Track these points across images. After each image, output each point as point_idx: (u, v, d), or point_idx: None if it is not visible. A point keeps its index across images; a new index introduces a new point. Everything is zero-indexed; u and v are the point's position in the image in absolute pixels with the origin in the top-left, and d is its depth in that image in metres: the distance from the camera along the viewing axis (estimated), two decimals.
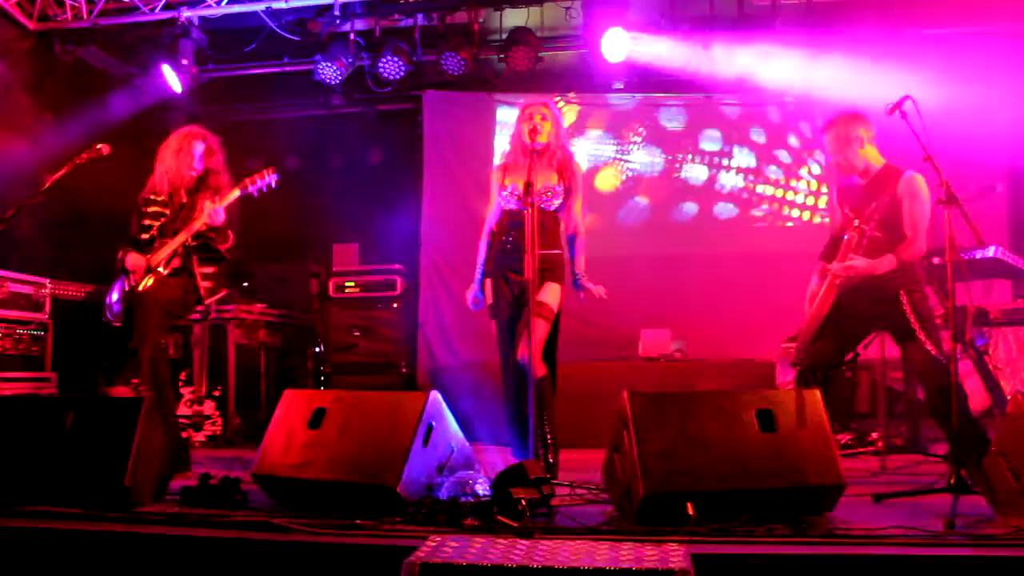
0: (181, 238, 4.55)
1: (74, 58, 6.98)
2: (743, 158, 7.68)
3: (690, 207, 7.73)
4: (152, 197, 4.70)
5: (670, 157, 7.77)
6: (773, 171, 7.66)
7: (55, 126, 6.68)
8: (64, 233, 6.49)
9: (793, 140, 7.66)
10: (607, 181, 7.80)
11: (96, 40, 6.96)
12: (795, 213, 7.64)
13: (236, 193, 4.61)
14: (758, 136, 7.70)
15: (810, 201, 7.62)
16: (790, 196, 7.63)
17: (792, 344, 6.23)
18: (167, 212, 4.66)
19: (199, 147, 4.69)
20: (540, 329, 4.26)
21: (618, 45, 6.29)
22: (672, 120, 7.81)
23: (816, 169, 7.58)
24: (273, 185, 4.62)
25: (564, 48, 7.16)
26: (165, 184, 4.67)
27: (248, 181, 4.61)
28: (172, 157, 4.67)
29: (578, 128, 7.77)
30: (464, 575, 2.42)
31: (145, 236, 4.62)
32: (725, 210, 7.70)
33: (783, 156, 7.66)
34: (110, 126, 6.40)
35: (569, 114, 7.71)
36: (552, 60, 7.16)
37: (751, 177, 7.68)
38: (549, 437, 4.28)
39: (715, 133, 7.74)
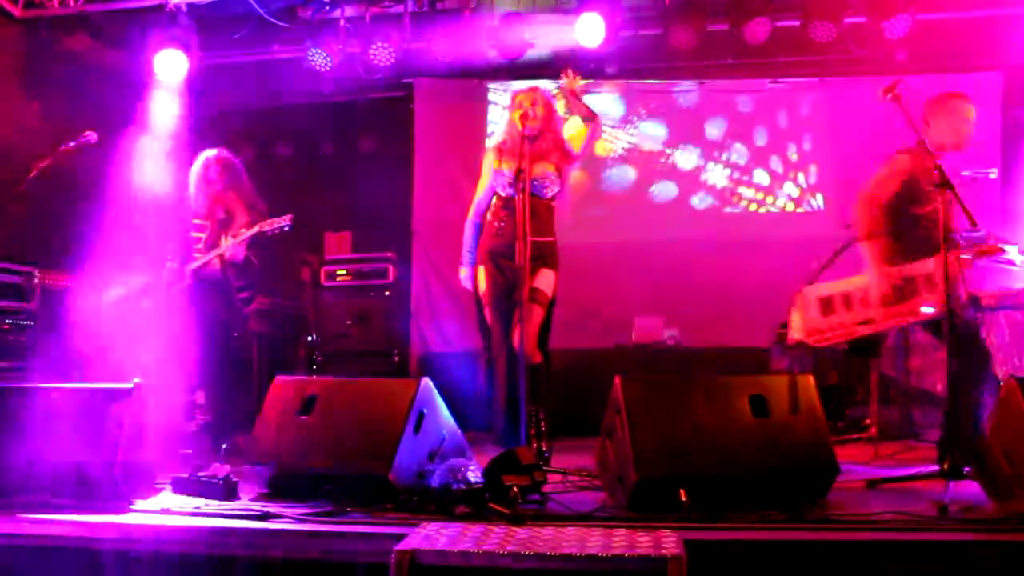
0: (214, 253, 5.05)
1: (61, 46, 6.91)
2: (737, 147, 7.66)
3: (683, 195, 7.70)
4: (197, 220, 5.27)
5: (662, 146, 7.73)
6: (767, 159, 7.64)
7: (42, 114, 6.62)
8: (52, 222, 6.43)
9: (784, 125, 7.65)
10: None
11: (83, 27, 6.89)
12: (781, 202, 7.64)
13: (251, 231, 4.97)
14: (751, 123, 7.68)
15: (795, 193, 7.61)
16: (777, 191, 7.63)
17: (787, 330, 6.24)
18: (207, 224, 5.19)
19: (213, 169, 5.18)
20: (536, 316, 4.26)
21: (593, 30, 6.24)
22: (667, 107, 7.77)
23: (805, 169, 7.56)
24: (287, 229, 4.96)
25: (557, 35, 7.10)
26: (199, 204, 5.22)
27: (265, 224, 4.96)
28: (194, 179, 5.23)
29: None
30: (455, 562, 2.40)
31: (193, 246, 5.19)
32: (717, 197, 7.68)
33: (776, 146, 7.64)
34: (97, 114, 6.33)
35: (561, 101, 7.67)
36: (544, 46, 7.09)
37: (744, 164, 7.66)
38: (543, 424, 4.27)
39: (712, 123, 7.71)
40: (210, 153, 5.27)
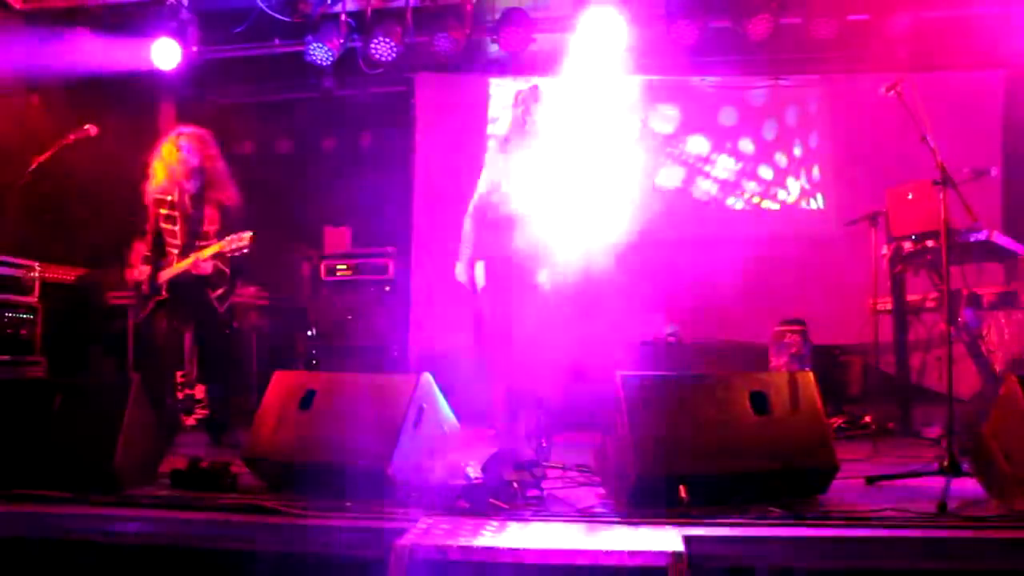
0: (181, 267, 4.80)
1: (62, 38, 6.89)
2: (743, 141, 7.66)
3: (686, 185, 7.70)
4: (161, 197, 4.92)
5: (665, 141, 7.73)
6: (772, 154, 7.64)
7: (42, 107, 6.61)
8: (53, 215, 6.43)
9: (792, 122, 7.64)
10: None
11: (83, 20, 6.87)
12: (780, 202, 7.63)
13: (213, 250, 4.75)
14: (762, 116, 7.67)
15: (796, 191, 7.60)
16: (779, 189, 7.62)
17: (787, 327, 6.25)
18: (176, 215, 4.89)
19: (184, 147, 4.88)
20: (537, 312, 4.26)
21: (596, 25, 6.22)
22: (668, 104, 7.76)
23: (808, 167, 7.56)
24: (245, 252, 4.75)
25: (558, 30, 7.09)
26: (170, 186, 4.91)
27: (225, 243, 4.73)
28: (164, 160, 4.90)
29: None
30: (455, 557, 2.40)
31: (168, 240, 4.89)
32: (720, 191, 7.68)
33: (783, 142, 7.63)
34: (98, 107, 6.32)
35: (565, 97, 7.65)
36: (546, 41, 7.09)
37: (749, 158, 7.65)
38: (542, 420, 4.27)
39: (725, 111, 7.71)
40: (178, 135, 5.00)
